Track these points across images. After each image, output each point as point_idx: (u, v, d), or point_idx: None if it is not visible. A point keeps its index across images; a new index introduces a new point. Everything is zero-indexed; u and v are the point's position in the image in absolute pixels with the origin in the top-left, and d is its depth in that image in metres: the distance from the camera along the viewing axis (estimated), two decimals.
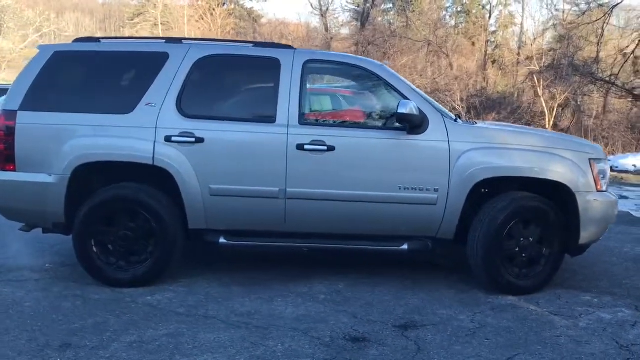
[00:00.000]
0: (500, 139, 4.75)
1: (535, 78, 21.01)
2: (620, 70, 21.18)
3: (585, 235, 4.72)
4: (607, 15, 20.83)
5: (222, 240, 4.71)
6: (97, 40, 4.98)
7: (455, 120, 4.81)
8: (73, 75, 4.81)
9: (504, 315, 4.26)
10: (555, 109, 20.45)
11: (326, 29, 37.57)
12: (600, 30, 21.27)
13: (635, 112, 22.79)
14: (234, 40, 6.17)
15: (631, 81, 21.81)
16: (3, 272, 5.04)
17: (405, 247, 4.73)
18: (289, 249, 4.89)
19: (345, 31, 43.04)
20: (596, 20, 21.92)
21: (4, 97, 5.03)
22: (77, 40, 5.01)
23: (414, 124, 4.53)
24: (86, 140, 4.58)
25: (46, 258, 5.53)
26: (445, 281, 5.02)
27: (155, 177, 4.67)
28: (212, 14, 47.05)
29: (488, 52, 36.69)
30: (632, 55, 21.06)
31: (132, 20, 56.75)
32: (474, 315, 4.25)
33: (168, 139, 4.56)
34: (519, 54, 32.09)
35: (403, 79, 4.87)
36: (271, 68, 4.72)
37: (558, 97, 20.05)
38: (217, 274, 5.06)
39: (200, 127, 4.59)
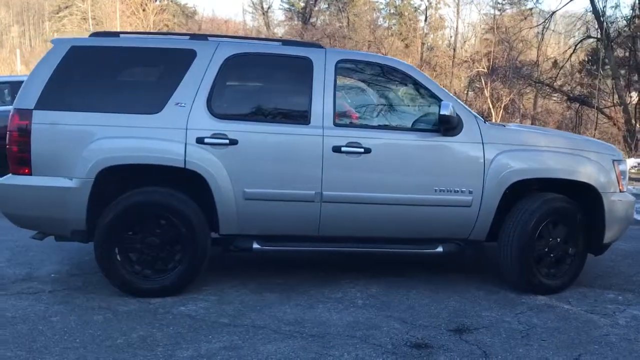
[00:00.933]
0: (531, 141, 4.81)
1: (483, 80, 21.64)
2: (558, 74, 22.18)
3: (609, 235, 4.86)
4: (547, 21, 21.75)
5: (255, 245, 4.53)
6: (116, 34, 4.68)
7: (485, 122, 4.83)
8: (93, 72, 4.48)
9: (545, 316, 4.31)
10: (501, 110, 21.15)
11: (267, 27, 37.34)
12: (540, 35, 22.18)
13: (570, 114, 23.92)
14: (260, 38, 5.97)
15: (567, 84, 22.87)
16: (7, 283, 4.66)
17: (440, 249, 4.71)
18: (321, 253, 4.76)
19: (281, 30, 42.97)
20: (536, 26, 22.89)
21: None
22: (94, 34, 4.69)
23: (452, 126, 4.51)
24: (112, 141, 4.29)
25: (48, 267, 5.18)
26: (470, 282, 5.04)
27: (184, 180, 4.44)
28: (144, 10, 45.87)
29: (423, 55, 37.57)
30: (569, 60, 22.11)
31: (57, 13, 54.46)
32: (517, 316, 4.27)
33: (200, 140, 4.34)
34: (453, 56, 33.02)
35: (432, 80, 4.85)
36: (303, 67, 4.58)
37: (504, 98, 20.74)
38: (240, 279, 4.87)
39: (233, 128, 4.40)
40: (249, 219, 4.48)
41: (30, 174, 4.27)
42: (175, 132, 4.35)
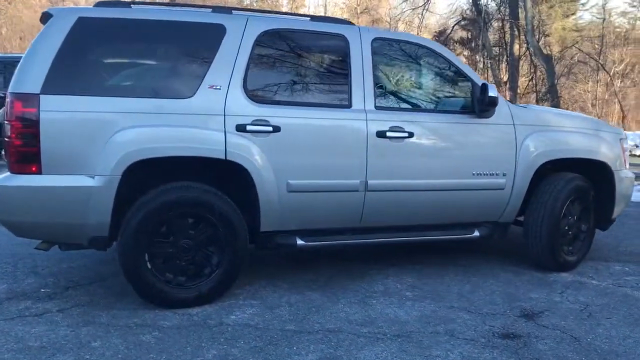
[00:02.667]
0: (554, 122, 4.86)
1: None
2: None
3: (617, 210, 5.09)
4: (426, 3, 22.61)
5: (299, 242, 4.14)
6: (127, 4, 3.97)
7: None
8: (107, 49, 3.76)
9: (585, 293, 4.40)
10: None
11: None
12: (421, 16, 23.01)
13: None
14: (286, 13, 5.40)
15: None
16: None
17: (477, 234, 4.63)
18: (363, 245, 4.47)
19: None
20: (415, 8, 23.71)
21: None
22: (100, 4, 3.94)
23: (492, 107, 4.41)
24: (141, 131, 3.65)
25: (28, 280, 4.37)
26: (491, 265, 5.05)
27: (218, 174, 3.93)
28: None
29: None
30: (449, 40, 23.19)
31: None
32: (563, 296, 4.32)
33: (241, 128, 3.84)
34: None
35: (461, 60, 4.72)
36: (338, 46, 4.22)
37: None
38: (263, 279, 4.46)
39: (274, 114, 3.94)
40: (292, 214, 4.08)
41: (40, 173, 3.51)
42: (212, 118, 3.81)
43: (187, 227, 3.82)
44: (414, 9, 22.60)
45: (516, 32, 21.99)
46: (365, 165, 4.15)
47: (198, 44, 3.91)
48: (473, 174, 4.47)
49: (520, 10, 20.96)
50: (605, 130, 5.08)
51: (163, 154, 3.67)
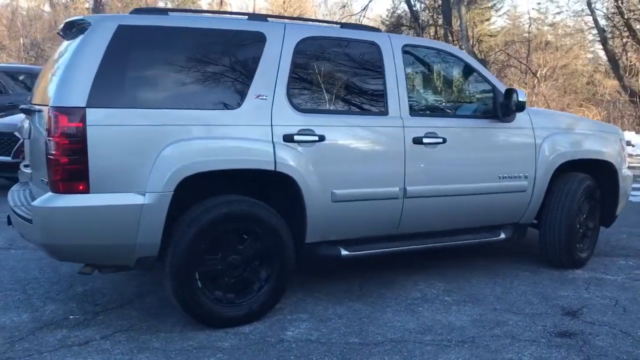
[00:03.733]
0: (566, 124, 5.04)
1: None
2: None
3: (619, 207, 5.34)
4: (364, 9, 22.97)
5: (344, 252, 4.08)
6: (164, 12, 3.79)
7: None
8: (150, 58, 3.55)
9: (608, 288, 4.58)
10: None
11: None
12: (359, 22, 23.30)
13: None
14: (316, 20, 5.25)
15: None
16: (28, 336, 3.55)
17: (502, 236, 4.73)
18: (400, 252, 4.46)
19: None
20: (354, 14, 23.99)
21: None
22: (137, 11, 3.73)
23: (520, 111, 4.51)
24: (193, 144, 3.48)
25: (48, 306, 4.06)
26: (505, 264, 5.16)
27: (265, 185, 3.82)
28: None
29: None
30: None
31: None
32: (591, 292, 4.48)
33: (288, 138, 3.75)
34: None
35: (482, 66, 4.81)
36: (372, 53, 4.20)
37: None
38: (301, 291, 4.34)
39: (318, 123, 3.87)
40: (335, 224, 4.02)
41: (87, 192, 3.28)
42: (260, 129, 3.70)
43: (236, 242, 3.68)
44: (352, 15, 22.93)
45: (450, 38, 22.70)
46: (403, 172, 4.15)
47: (242, 52, 3.79)
48: (499, 177, 4.57)
49: (454, 18, 21.69)
50: (608, 130, 5.33)
51: (215, 167, 3.53)
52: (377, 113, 4.13)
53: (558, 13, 40.69)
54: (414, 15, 21.97)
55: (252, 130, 3.67)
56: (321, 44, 4.07)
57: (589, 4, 21.41)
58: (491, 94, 4.61)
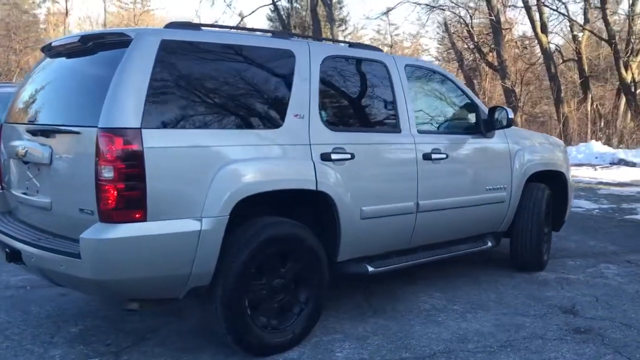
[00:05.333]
0: (528, 138, 5.48)
1: None
2: None
3: (567, 214, 5.91)
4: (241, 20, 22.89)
5: (370, 269, 4.10)
6: (197, 27, 3.57)
7: None
8: (194, 75, 3.32)
9: (580, 287, 5.03)
10: None
11: None
12: None
13: None
14: (326, 38, 5.05)
15: None
16: None
17: (489, 244, 5.03)
18: (415, 266, 4.55)
19: None
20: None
21: None
22: (171, 25, 3.47)
23: (508, 127, 4.85)
24: (246, 164, 3.34)
25: (77, 346, 3.64)
26: (478, 271, 5.47)
27: (305, 205, 3.76)
28: None
29: None
30: None
31: None
32: (569, 291, 4.91)
33: (326, 156, 3.72)
34: None
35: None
36: (382, 72, 4.30)
37: None
38: None
39: (348, 141, 3.89)
40: (362, 241, 4.04)
41: (144, 220, 3.01)
42: (301, 148, 3.64)
43: (278, 265, 3.57)
44: (242, 17, 22.76)
45: None
46: (416, 187, 4.28)
47: (278, 70, 3.70)
48: (487, 189, 4.87)
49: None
50: (555, 143, 5.90)
51: (269, 189, 3.41)
52: (393, 130, 4.23)
53: (397, 35, 42.88)
54: (281, 18, 22.38)
55: (294, 150, 3.61)
56: (340, 62, 4.09)
57: (446, 27, 23.23)
58: (474, 112, 4.92)
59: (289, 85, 3.68)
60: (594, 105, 24.55)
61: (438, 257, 4.65)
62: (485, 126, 4.85)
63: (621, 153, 15.33)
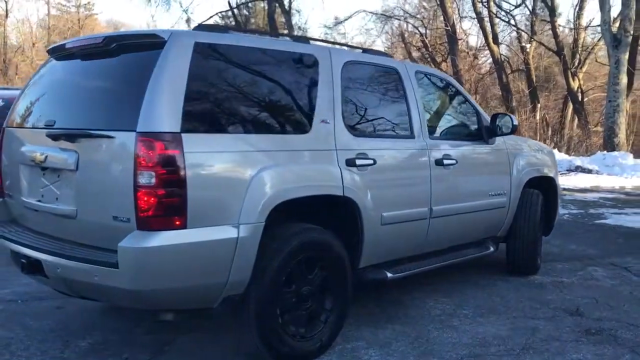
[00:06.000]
0: (524, 145, 5.60)
1: None
2: None
3: (556, 219, 6.07)
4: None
5: (389, 275, 4.09)
6: (225, 30, 3.49)
7: None
8: (226, 78, 3.23)
9: (576, 289, 5.16)
10: None
11: None
12: None
13: None
14: (339, 43, 4.95)
15: None
16: None
17: (492, 249, 5.10)
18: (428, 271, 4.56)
19: None
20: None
21: None
22: (201, 28, 3.37)
23: (512, 133, 4.94)
24: (281, 170, 3.28)
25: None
26: (473, 275, 5.53)
27: (329, 211, 3.72)
28: None
29: None
30: None
31: None
32: (568, 294, 5.02)
33: (351, 162, 3.70)
34: None
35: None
36: (395, 78, 4.32)
37: None
38: None
39: (368, 147, 3.87)
40: (381, 247, 4.03)
41: (184, 227, 2.91)
42: (328, 154, 3.60)
43: (306, 272, 3.52)
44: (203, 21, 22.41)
45: None
46: (430, 192, 4.31)
47: (304, 74, 3.66)
48: (489, 195, 4.95)
49: None
50: (545, 149, 6.06)
51: (301, 194, 3.36)
52: (407, 136, 4.25)
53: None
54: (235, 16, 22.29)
55: (323, 155, 3.57)
56: (358, 68, 4.08)
57: (402, 37, 23.64)
58: (476, 118, 4.99)
59: (314, 91, 3.65)
60: (542, 115, 25.45)
61: (447, 263, 4.68)
62: (487, 133, 4.94)
63: (577, 160, 15.89)
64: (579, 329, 4.18)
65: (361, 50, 4.44)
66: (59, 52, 3.75)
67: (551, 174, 5.79)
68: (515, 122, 4.82)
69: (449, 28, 22.80)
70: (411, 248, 4.35)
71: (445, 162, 4.42)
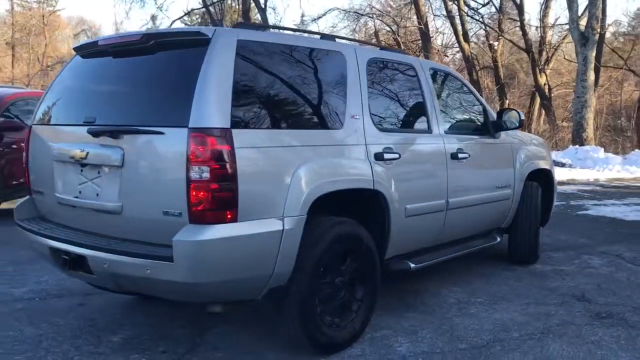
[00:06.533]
0: (523, 138, 5.80)
1: None
2: None
3: (552, 210, 6.31)
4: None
5: (412, 265, 4.23)
6: (263, 27, 3.57)
7: None
8: (265, 75, 3.32)
9: (576, 277, 5.38)
10: None
11: None
12: None
13: None
14: (358, 40, 4.99)
15: None
16: None
17: (498, 239, 5.29)
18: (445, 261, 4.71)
19: None
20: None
21: None
22: (241, 25, 3.43)
23: (518, 128, 5.14)
24: (319, 164, 3.38)
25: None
26: (475, 265, 5.71)
27: (359, 205, 3.84)
28: None
29: None
30: None
31: None
32: (570, 281, 5.25)
33: (379, 156, 3.82)
34: None
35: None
36: (412, 75, 4.46)
37: None
38: None
39: (392, 141, 4.00)
40: (404, 238, 4.16)
41: (235, 220, 2.99)
42: (359, 148, 3.72)
43: (340, 263, 3.63)
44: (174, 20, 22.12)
45: None
46: (446, 185, 4.47)
47: (335, 71, 3.77)
48: (497, 187, 5.14)
49: None
50: (540, 142, 6.29)
51: (339, 187, 3.47)
52: (426, 131, 4.39)
53: None
54: (212, 17, 22.22)
55: (355, 150, 3.69)
56: (379, 65, 4.21)
57: (376, 35, 23.85)
58: (483, 113, 5.18)
59: (344, 87, 3.76)
60: None
61: (461, 253, 4.84)
62: (494, 127, 5.12)
63: (552, 154, 16.34)
64: (590, 313, 4.39)
65: (379, 48, 4.56)
66: (86, 50, 3.78)
67: (547, 167, 6.02)
68: (522, 117, 5.01)
69: (422, 26, 23.14)
70: (430, 239, 4.49)
71: (460, 155, 4.58)
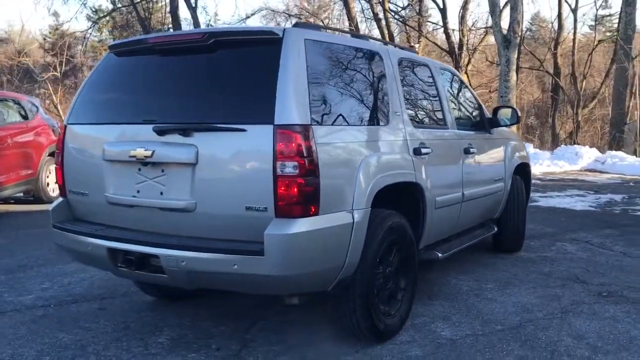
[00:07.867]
0: (508, 135, 6.17)
1: None
2: None
3: (529, 200, 6.74)
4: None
5: (440, 254, 4.45)
6: (320, 28, 3.67)
7: None
8: (329, 74, 3.42)
9: (565, 263, 5.80)
10: None
11: None
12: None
13: None
14: (374, 38, 5.00)
15: None
16: None
17: (495, 229, 5.62)
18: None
19: None
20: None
21: None
22: (299, 25, 3.50)
23: (514, 125, 5.48)
24: (378, 159, 3.55)
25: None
26: (469, 255, 6.03)
27: (400, 198, 4.01)
28: None
29: None
30: None
31: None
32: (560, 266, 5.66)
33: (417, 151, 4.01)
34: None
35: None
36: (428, 73, 4.69)
37: None
38: None
39: (425, 137, 4.21)
40: (433, 230, 4.38)
41: (317, 214, 3.08)
42: (403, 143, 3.90)
43: (388, 255, 3.79)
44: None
45: None
46: (462, 178, 4.73)
47: (378, 70, 3.92)
48: (494, 180, 5.47)
49: None
50: (517, 137, 6.71)
51: (394, 181, 3.64)
52: (443, 126, 4.63)
53: None
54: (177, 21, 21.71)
55: (400, 145, 3.85)
56: (406, 64, 4.40)
57: None
58: (480, 110, 5.50)
59: (386, 85, 3.92)
60: None
61: (474, 242, 5.12)
62: (489, 123, 5.45)
63: None
64: (592, 293, 4.78)
65: (398, 47, 4.75)
66: (125, 48, 3.72)
67: (527, 161, 6.44)
68: (519, 114, 5.36)
69: (353, 28, 23.59)
70: (449, 230, 4.74)
71: (471, 150, 4.86)
